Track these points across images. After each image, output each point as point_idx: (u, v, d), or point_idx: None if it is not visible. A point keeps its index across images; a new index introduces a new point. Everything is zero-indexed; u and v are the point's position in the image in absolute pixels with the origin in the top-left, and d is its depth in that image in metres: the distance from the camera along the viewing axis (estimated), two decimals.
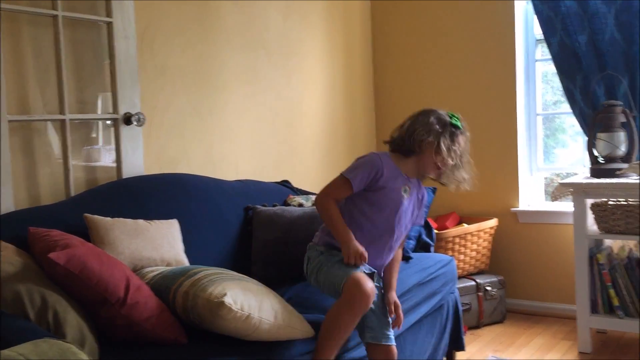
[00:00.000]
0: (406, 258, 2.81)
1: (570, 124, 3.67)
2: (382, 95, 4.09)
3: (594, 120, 3.09)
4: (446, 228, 3.56)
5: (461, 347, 2.84)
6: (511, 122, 3.63)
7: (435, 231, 3.27)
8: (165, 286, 1.86)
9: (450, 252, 3.40)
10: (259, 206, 2.69)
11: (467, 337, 3.22)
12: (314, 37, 3.60)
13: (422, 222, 2.31)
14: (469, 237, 3.48)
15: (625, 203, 2.88)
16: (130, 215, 2.21)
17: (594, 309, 2.99)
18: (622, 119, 3.02)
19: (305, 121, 3.55)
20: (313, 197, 2.89)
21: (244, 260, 2.57)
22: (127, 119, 2.51)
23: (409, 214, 2.15)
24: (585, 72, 3.24)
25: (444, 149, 2.06)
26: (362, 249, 1.97)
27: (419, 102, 3.93)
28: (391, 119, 4.05)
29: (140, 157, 2.58)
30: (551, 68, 3.53)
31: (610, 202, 2.93)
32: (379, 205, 2.08)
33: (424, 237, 3.05)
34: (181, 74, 2.82)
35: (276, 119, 3.35)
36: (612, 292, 2.93)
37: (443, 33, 3.82)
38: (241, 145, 3.14)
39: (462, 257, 3.48)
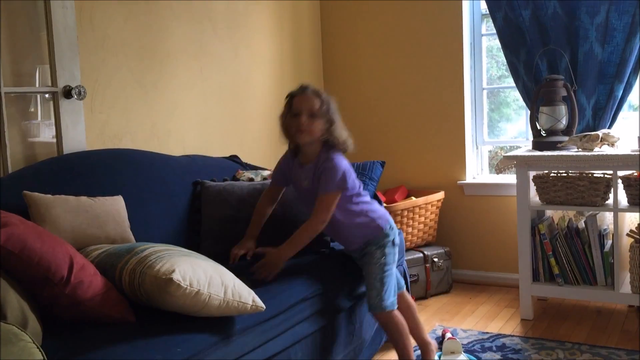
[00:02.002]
0: None
1: (514, 98, 3.76)
2: (330, 70, 4.07)
3: (536, 94, 3.16)
4: (395, 201, 3.60)
5: None
6: (458, 96, 3.68)
7: (384, 204, 3.30)
8: (111, 264, 1.82)
9: (399, 225, 3.45)
10: (207, 181, 2.65)
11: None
12: (262, 9, 3.54)
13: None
14: (416, 210, 3.54)
15: (566, 175, 2.98)
16: (73, 192, 2.13)
17: (535, 277, 3.09)
18: (564, 92, 3.10)
19: (253, 95, 3.50)
20: (262, 172, 2.87)
21: (193, 236, 2.54)
22: (67, 93, 2.41)
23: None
24: (528, 46, 3.30)
25: (289, 123, 2.26)
26: None
27: (368, 77, 3.95)
28: (340, 93, 4.05)
29: (81, 132, 2.50)
30: (496, 43, 3.59)
31: (551, 174, 3.02)
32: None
33: None
34: (123, 45, 2.73)
35: (223, 93, 3.29)
36: (552, 260, 3.04)
37: (392, 8, 3.82)
38: (188, 119, 3.08)
39: (410, 229, 3.53)
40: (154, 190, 2.47)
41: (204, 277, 1.71)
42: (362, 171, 3.07)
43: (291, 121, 2.24)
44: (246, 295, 1.78)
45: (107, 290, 1.73)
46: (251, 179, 2.76)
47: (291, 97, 2.27)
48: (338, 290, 2.33)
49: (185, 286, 1.65)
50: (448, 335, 2.78)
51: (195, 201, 2.61)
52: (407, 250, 3.51)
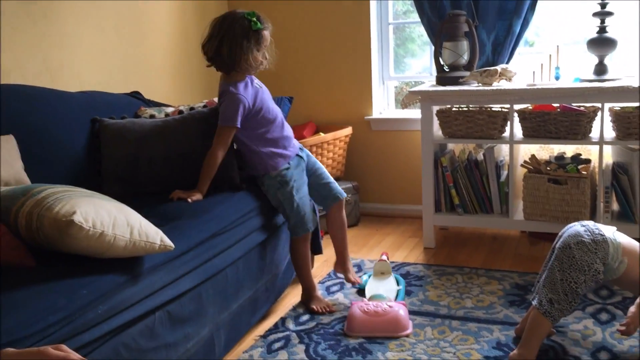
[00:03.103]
0: None
1: (419, 33, 3.80)
2: (236, 2, 3.93)
3: (440, 29, 3.22)
4: (304, 137, 3.61)
5: (319, 251, 2.96)
6: (365, 31, 3.68)
7: None
8: (5, 207, 1.71)
9: None
10: (106, 119, 2.53)
11: (324, 241, 3.35)
12: None
13: None
14: (325, 145, 3.56)
15: (467, 109, 3.09)
16: None
17: (437, 208, 3.24)
18: (466, 28, 3.17)
19: (154, 28, 3.33)
20: (166, 109, 2.77)
21: (94, 176, 2.43)
22: None
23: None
24: None
25: (259, 56, 2.36)
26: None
27: (274, 12, 3.85)
28: None
29: None
30: None
31: (453, 109, 3.12)
32: (264, 116, 2.43)
33: None
34: None
35: (122, 23, 3.10)
36: (453, 192, 3.19)
37: None
38: (83, 53, 2.89)
39: None
40: (49, 128, 2.32)
41: (108, 218, 1.65)
42: None
43: (257, 54, 2.33)
44: (154, 235, 1.74)
45: (1, 234, 1.63)
46: (153, 116, 2.65)
47: (259, 30, 2.32)
48: (249, 225, 2.33)
49: (88, 228, 1.59)
50: (384, 257, 2.89)
51: (94, 140, 2.49)
52: None
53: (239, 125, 2.36)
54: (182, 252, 1.90)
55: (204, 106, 2.73)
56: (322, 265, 3.08)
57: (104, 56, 3.00)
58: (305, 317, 2.49)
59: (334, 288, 2.78)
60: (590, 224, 2.09)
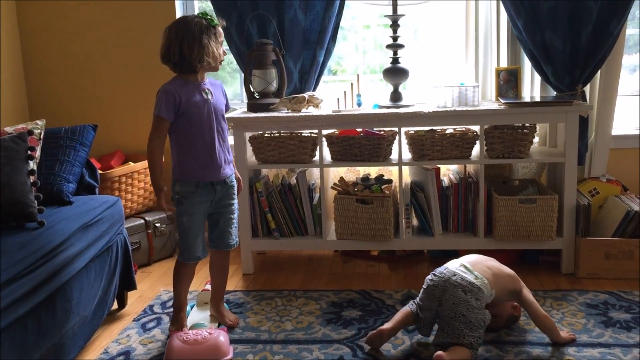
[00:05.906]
0: (67, 202, 2.63)
1: (229, 60, 3.82)
2: (29, 27, 3.63)
3: (248, 57, 3.27)
4: (111, 168, 3.42)
5: (132, 286, 2.82)
6: None
7: (100, 172, 3.12)
8: None
9: (117, 192, 3.29)
10: None
11: (138, 276, 3.21)
12: None
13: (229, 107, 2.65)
14: (135, 175, 3.41)
15: (278, 135, 3.16)
16: None
17: (254, 233, 3.26)
18: (273, 57, 3.26)
19: None
20: None
21: None
22: None
23: (220, 105, 2.48)
24: (239, 10, 3.37)
25: (219, 52, 2.39)
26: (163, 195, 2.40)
27: (74, 34, 3.63)
28: (44, 51, 3.66)
29: None
30: (208, 5, 3.59)
31: (266, 135, 3.18)
32: (195, 124, 2.37)
33: (87, 178, 2.89)
34: None
35: None
36: (269, 216, 3.23)
37: None
38: None
39: (129, 196, 3.40)
40: None
41: None
42: (72, 136, 2.86)
43: (216, 48, 2.36)
44: None
45: None
46: None
47: (215, 26, 2.37)
48: (50, 266, 2.12)
49: None
50: (207, 286, 2.81)
51: None
52: (128, 217, 3.38)
53: (162, 115, 2.33)
54: None
55: None
56: (136, 302, 2.92)
57: None
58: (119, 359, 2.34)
59: (151, 324, 2.65)
60: (458, 272, 2.24)
